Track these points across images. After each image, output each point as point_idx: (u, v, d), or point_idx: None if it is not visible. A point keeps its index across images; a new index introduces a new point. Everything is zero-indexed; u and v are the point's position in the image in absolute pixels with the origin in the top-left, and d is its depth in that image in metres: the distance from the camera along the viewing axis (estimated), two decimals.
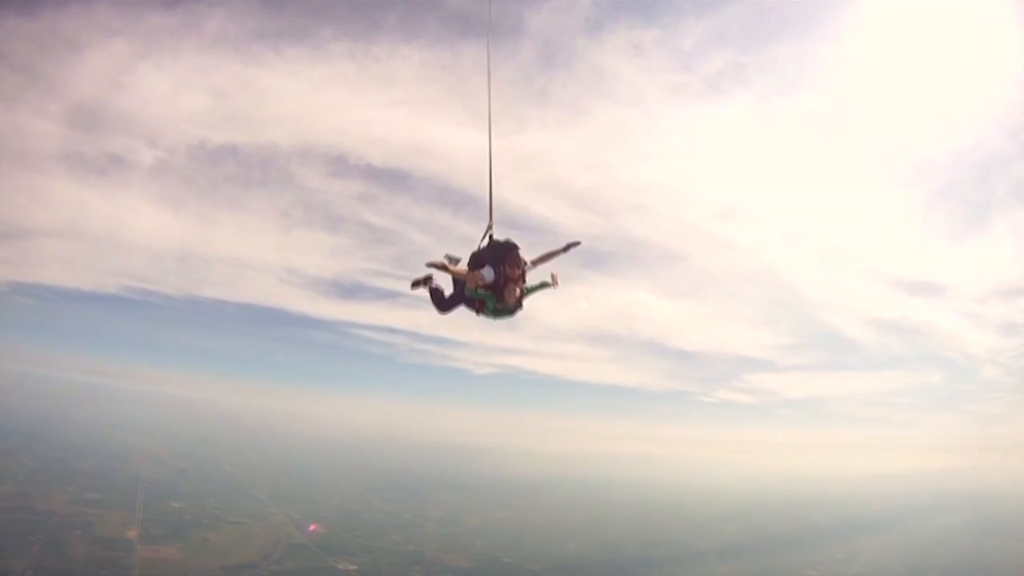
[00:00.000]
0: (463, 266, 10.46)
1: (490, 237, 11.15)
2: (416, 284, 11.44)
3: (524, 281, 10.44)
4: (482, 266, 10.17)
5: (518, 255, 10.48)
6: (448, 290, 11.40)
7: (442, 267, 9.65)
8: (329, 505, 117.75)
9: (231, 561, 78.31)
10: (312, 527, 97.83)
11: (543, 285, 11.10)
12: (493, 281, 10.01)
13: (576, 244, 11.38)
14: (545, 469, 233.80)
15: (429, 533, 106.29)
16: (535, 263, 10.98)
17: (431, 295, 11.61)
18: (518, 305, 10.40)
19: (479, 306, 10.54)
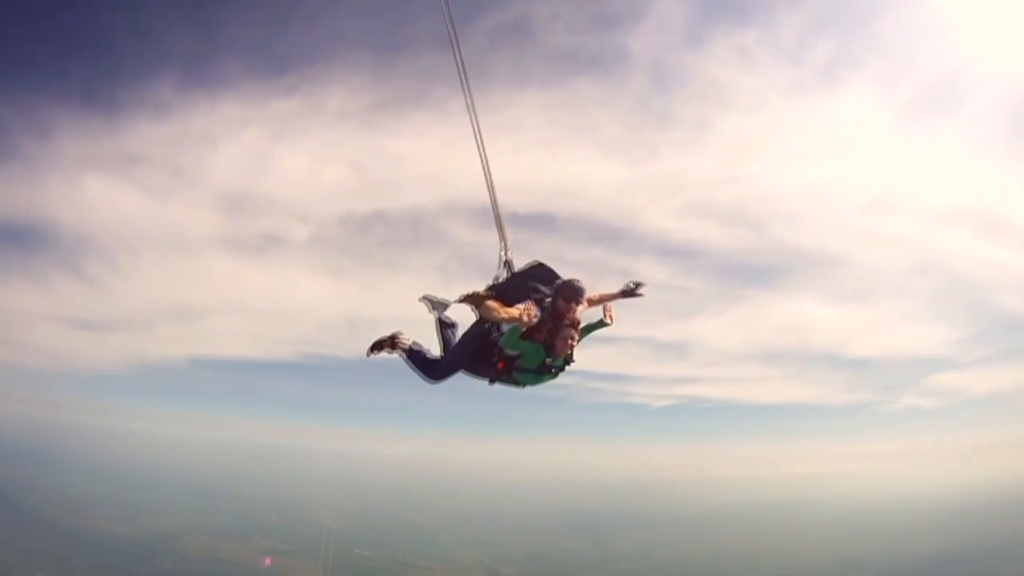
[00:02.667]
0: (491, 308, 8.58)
1: (508, 264, 9.41)
2: (378, 347, 9.78)
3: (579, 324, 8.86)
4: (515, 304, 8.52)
5: (576, 287, 8.72)
6: (431, 345, 9.91)
7: (478, 300, 8.37)
8: (515, 547, 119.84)
9: None
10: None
11: (600, 325, 9.35)
12: (540, 322, 8.50)
13: (639, 288, 9.69)
14: (731, 497, 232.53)
15: (618, 570, 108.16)
16: (591, 304, 9.36)
17: (409, 359, 9.79)
18: (569, 359, 8.88)
19: (503, 365, 8.77)
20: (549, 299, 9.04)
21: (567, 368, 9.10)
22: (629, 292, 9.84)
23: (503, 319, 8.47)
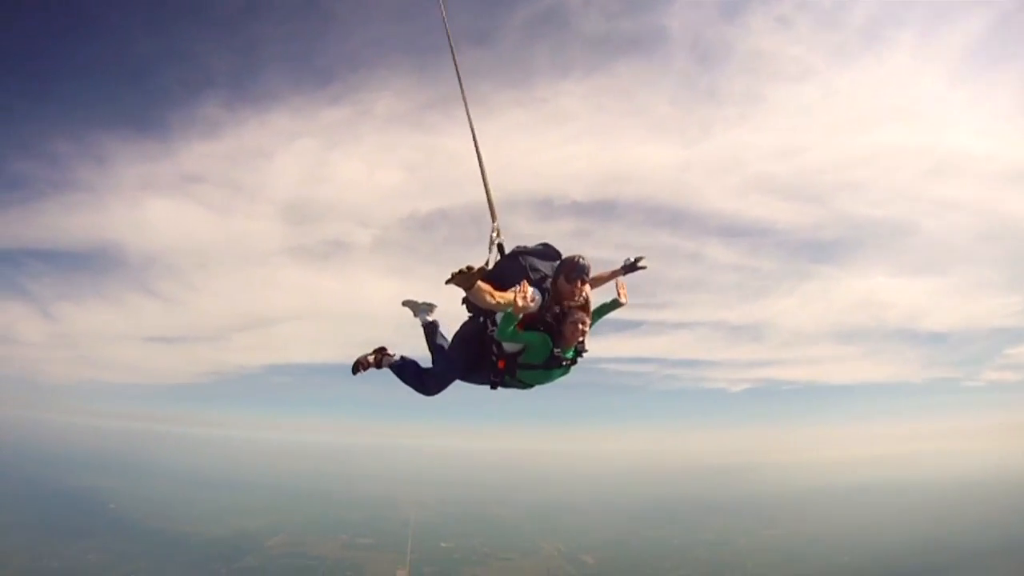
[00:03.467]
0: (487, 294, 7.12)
1: (500, 248, 8.37)
2: (362, 365, 8.73)
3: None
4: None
5: (579, 264, 7.72)
6: (414, 353, 8.88)
7: (470, 279, 6.63)
8: (597, 536, 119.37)
9: None
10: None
11: (614, 305, 8.58)
12: (542, 308, 7.63)
13: (640, 261, 8.93)
14: (812, 481, 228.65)
15: (700, 557, 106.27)
16: (593, 285, 8.30)
17: (399, 374, 8.66)
18: (581, 348, 7.83)
19: (504, 364, 7.76)
20: (552, 280, 7.94)
21: (580, 359, 7.95)
22: (631, 267, 9.01)
23: (496, 304, 7.15)
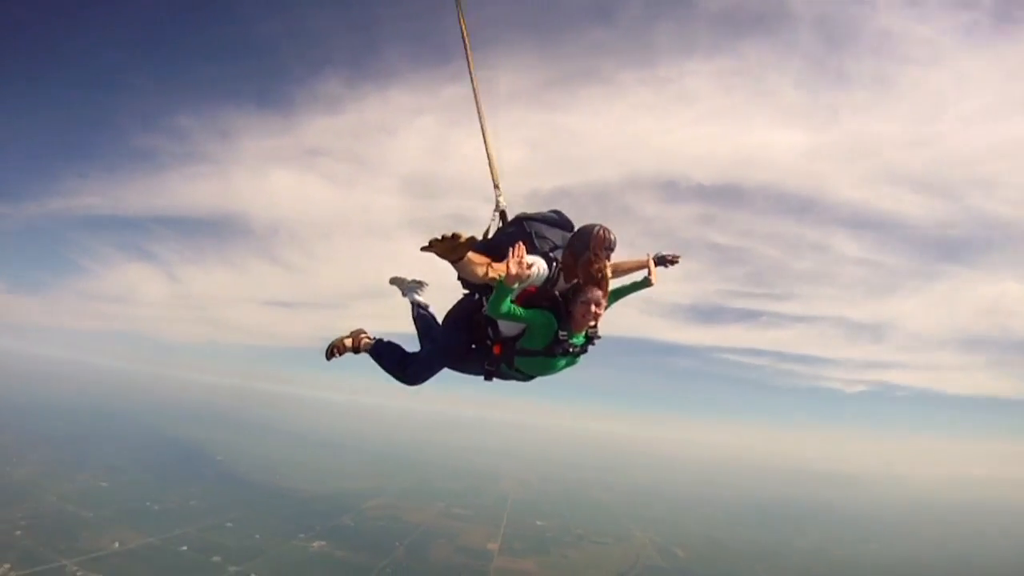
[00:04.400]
0: (477, 259, 5.96)
1: (503, 216, 7.57)
2: (338, 349, 7.81)
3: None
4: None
5: (604, 236, 6.65)
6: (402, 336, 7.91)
7: (456, 248, 5.42)
8: (692, 530, 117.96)
9: None
10: None
11: (644, 284, 7.55)
12: (548, 282, 6.72)
13: (676, 260, 8.13)
14: (918, 496, 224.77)
15: (791, 564, 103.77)
16: (615, 272, 7.15)
17: (378, 358, 7.73)
18: (593, 334, 6.86)
19: (500, 349, 6.88)
20: (563, 251, 6.84)
21: (590, 348, 6.83)
22: (661, 261, 7.96)
23: (487, 276, 5.91)
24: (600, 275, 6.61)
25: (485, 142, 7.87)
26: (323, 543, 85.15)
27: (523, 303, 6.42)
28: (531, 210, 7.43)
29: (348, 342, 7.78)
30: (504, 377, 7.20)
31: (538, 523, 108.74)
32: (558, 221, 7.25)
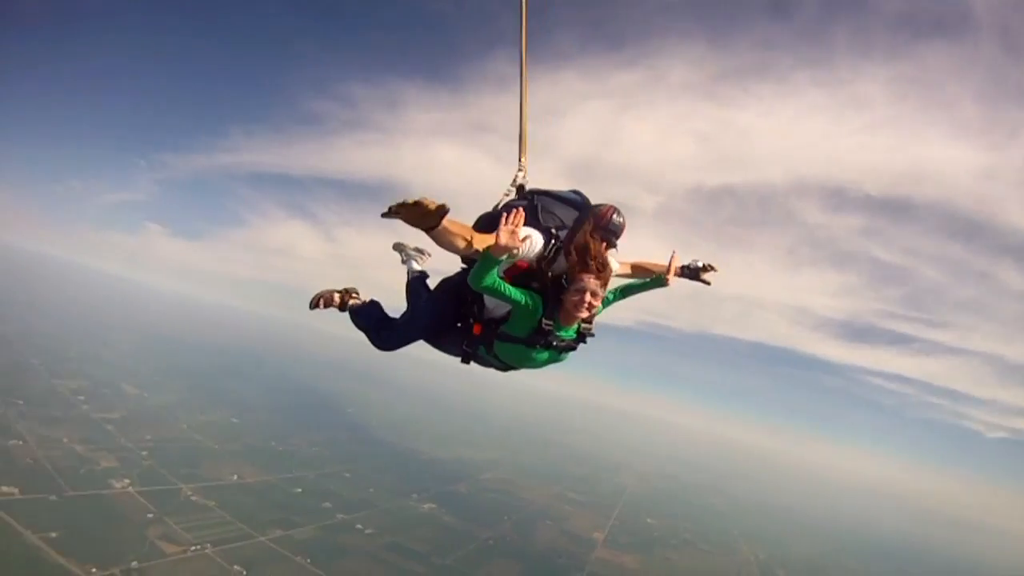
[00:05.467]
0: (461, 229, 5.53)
1: (520, 188, 7.24)
2: (325, 301, 7.63)
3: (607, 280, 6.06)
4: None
5: (613, 222, 6.18)
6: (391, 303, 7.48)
7: (423, 215, 5.02)
8: (799, 552, 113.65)
9: None
10: None
11: (657, 283, 6.76)
12: (543, 259, 6.14)
13: (707, 272, 7.22)
14: None
15: None
16: (634, 271, 7.11)
17: (356, 318, 7.44)
18: (586, 331, 6.17)
19: (482, 330, 6.34)
20: (567, 231, 6.26)
21: (580, 345, 6.17)
22: (693, 273, 7.12)
23: (469, 246, 5.47)
24: (596, 260, 5.76)
25: (521, 114, 7.59)
26: (433, 506, 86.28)
27: (511, 281, 5.74)
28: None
29: (337, 297, 7.56)
30: (482, 362, 6.60)
31: (648, 520, 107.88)
32: (575, 201, 6.67)
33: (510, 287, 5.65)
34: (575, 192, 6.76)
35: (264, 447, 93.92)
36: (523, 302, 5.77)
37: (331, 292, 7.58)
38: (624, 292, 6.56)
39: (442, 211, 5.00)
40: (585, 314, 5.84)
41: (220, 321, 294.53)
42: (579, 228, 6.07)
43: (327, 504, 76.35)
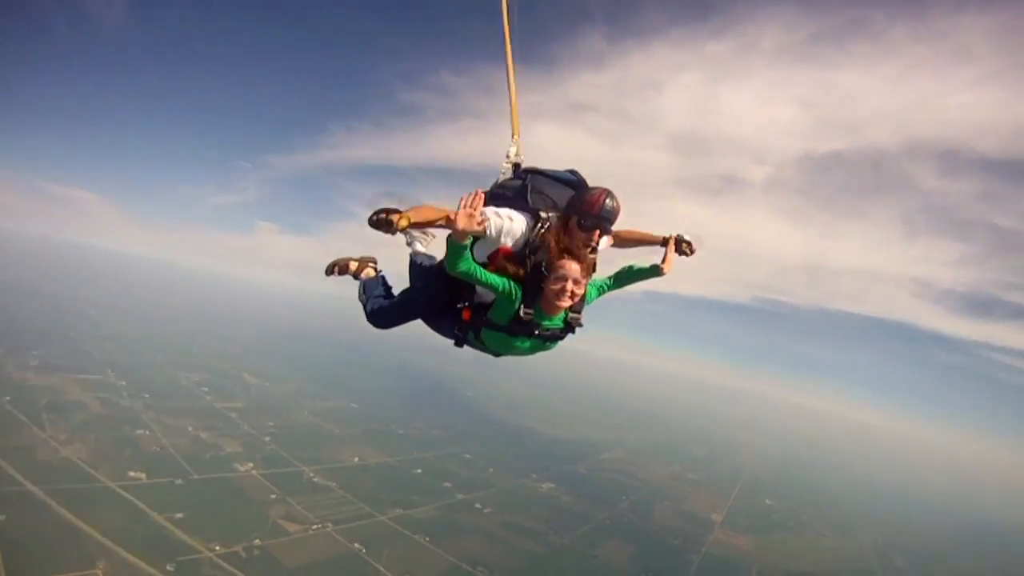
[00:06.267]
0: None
1: (516, 167, 6.98)
2: (340, 269, 7.54)
3: (593, 267, 5.91)
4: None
5: (604, 207, 5.79)
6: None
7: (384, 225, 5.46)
8: (919, 542, 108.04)
9: (797, 567, 77.94)
10: None
11: (652, 272, 6.32)
12: (527, 245, 5.86)
13: (690, 247, 6.59)
14: None
15: None
16: (618, 242, 6.68)
17: (362, 288, 7.28)
18: (574, 321, 5.94)
19: (471, 316, 6.01)
20: (559, 214, 5.97)
21: (569, 335, 5.93)
22: (678, 245, 6.47)
23: (433, 222, 5.66)
24: (581, 246, 5.64)
25: (509, 89, 7.44)
26: (552, 486, 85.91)
27: (496, 267, 5.59)
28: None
29: (353, 265, 7.43)
30: (473, 347, 6.25)
31: (767, 502, 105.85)
32: (570, 181, 6.35)
33: (488, 273, 5.44)
34: (571, 172, 6.44)
35: (384, 430, 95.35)
36: (500, 288, 5.53)
37: (347, 260, 7.51)
38: (619, 280, 6.25)
39: (398, 216, 5.33)
40: (567, 303, 5.56)
41: (336, 312, 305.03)
42: (567, 212, 5.81)
43: (447, 484, 76.91)
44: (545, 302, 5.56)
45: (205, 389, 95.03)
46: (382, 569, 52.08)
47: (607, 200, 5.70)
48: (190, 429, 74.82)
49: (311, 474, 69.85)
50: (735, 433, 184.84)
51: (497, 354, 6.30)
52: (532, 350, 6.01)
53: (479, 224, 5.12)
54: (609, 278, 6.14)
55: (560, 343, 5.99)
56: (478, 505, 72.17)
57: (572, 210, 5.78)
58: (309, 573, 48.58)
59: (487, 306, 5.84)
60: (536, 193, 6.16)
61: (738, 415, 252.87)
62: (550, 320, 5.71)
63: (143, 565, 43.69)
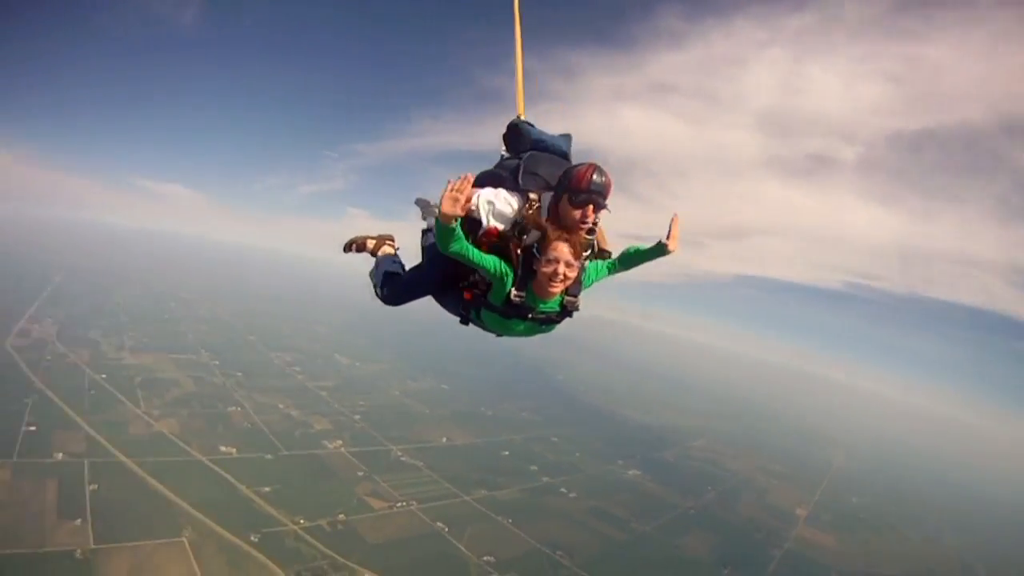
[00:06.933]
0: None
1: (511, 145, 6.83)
2: (358, 246, 7.61)
3: (591, 247, 5.91)
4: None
5: (593, 182, 5.57)
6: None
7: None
8: (1008, 554, 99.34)
9: (877, 570, 75.56)
10: None
11: (658, 252, 5.86)
12: (515, 227, 5.75)
13: (667, 245, 5.90)
14: None
15: None
16: (624, 265, 6.11)
17: (376, 267, 7.16)
18: (568, 306, 5.83)
19: (472, 297, 5.97)
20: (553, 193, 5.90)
21: (566, 319, 5.87)
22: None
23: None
24: (574, 224, 5.55)
25: (517, 66, 7.40)
26: (638, 472, 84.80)
27: (489, 248, 5.57)
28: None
29: (371, 243, 7.45)
30: (478, 325, 6.17)
31: (853, 500, 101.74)
32: (564, 152, 6.42)
33: (480, 254, 5.38)
34: (565, 137, 6.49)
35: (473, 412, 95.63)
36: (491, 270, 5.46)
37: (365, 238, 7.49)
38: (624, 262, 5.99)
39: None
40: (559, 287, 5.45)
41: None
42: (561, 193, 5.64)
43: (533, 467, 76.80)
44: (538, 285, 5.46)
45: (297, 369, 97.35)
46: (463, 548, 52.01)
47: (594, 174, 5.48)
48: (281, 407, 76.83)
49: (399, 453, 70.69)
50: (825, 426, 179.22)
51: (499, 334, 6.19)
52: (528, 332, 5.91)
53: (463, 208, 5.01)
54: (613, 260, 5.94)
55: (576, 327, 6.13)
56: (563, 489, 71.77)
57: (561, 188, 5.63)
58: (391, 550, 48.68)
59: (488, 287, 5.74)
60: (528, 174, 6.04)
61: (828, 406, 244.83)
62: (544, 303, 5.62)
63: (227, 535, 44.81)
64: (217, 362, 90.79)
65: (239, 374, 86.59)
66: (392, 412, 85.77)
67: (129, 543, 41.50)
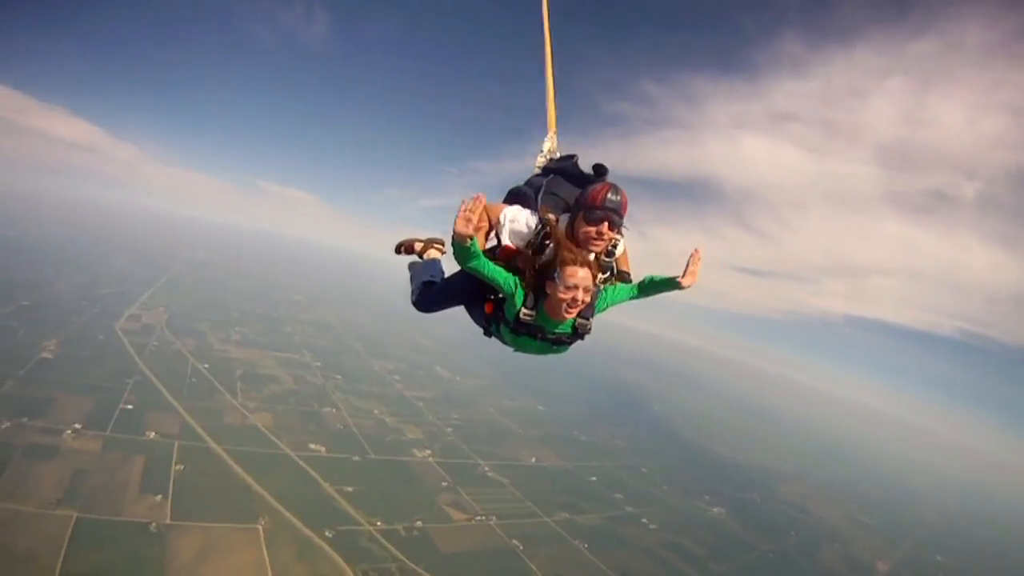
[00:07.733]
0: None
1: (549, 161, 7.02)
2: (407, 248, 7.72)
3: (611, 269, 6.00)
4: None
5: (606, 200, 5.63)
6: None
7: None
8: None
9: None
10: None
11: (670, 285, 5.88)
12: (529, 247, 5.82)
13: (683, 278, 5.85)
14: None
15: None
16: (643, 293, 6.14)
17: (415, 271, 7.31)
18: (580, 328, 5.82)
19: (492, 310, 6.10)
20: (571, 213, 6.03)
21: (577, 340, 5.89)
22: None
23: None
24: (589, 246, 5.62)
25: (548, 87, 7.51)
26: (723, 511, 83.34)
27: (506, 265, 5.65)
28: None
29: (419, 246, 7.52)
30: (499, 339, 6.23)
31: (938, 558, 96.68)
32: (586, 177, 6.36)
33: (494, 268, 5.43)
34: (598, 166, 6.30)
35: (566, 435, 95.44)
36: (502, 285, 5.54)
37: (414, 240, 7.55)
38: (643, 290, 5.98)
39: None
40: (572, 313, 5.47)
41: None
42: (577, 211, 5.76)
43: (618, 495, 76.31)
44: (551, 308, 5.49)
45: (397, 377, 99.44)
46: (534, 568, 51.83)
47: (609, 192, 5.53)
48: (376, 412, 78.77)
49: (486, 468, 71.24)
50: (916, 477, 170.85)
51: (515, 350, 6.15)
52: (541, 351, 5.93)
53: (475, 227, 5.02)
54: (634, 287, 5.93)
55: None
56: (644, 520, 71.06)
57: (578, 206, 5.72)
58: (462, 560, 48.78)
59: (502, 301, 5.82)
60: (548, 194, 6.21)
61: (929, 461, 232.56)
62: (554, 324, 5.63)
63: (303, 528, 45.96)
64: (319, 364, 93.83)
65: (339, 377, 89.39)
66: (485, 428, 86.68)
67: (204, 523, 42.97)
